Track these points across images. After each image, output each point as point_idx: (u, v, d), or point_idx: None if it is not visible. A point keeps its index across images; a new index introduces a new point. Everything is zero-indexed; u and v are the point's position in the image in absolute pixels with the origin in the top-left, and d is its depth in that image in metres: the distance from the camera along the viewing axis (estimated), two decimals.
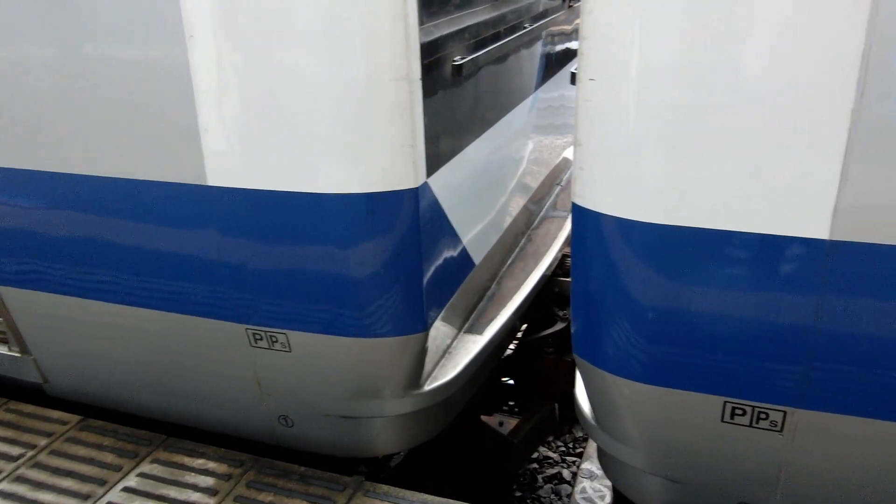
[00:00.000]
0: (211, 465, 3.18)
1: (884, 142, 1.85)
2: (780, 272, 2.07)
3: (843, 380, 2.16)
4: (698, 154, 2.03)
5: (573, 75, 2.23)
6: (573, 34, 4.84)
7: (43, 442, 3.39)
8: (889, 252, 1.94)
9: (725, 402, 2.34)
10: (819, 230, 1.98)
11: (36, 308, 3.30)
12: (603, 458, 3.04)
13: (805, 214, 1.99)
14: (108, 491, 3.06)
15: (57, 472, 3.19)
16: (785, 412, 2.28)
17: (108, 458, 3.26)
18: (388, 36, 2.30)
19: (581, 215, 2.33)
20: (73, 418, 3.56)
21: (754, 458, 2.43)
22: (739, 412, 2.34)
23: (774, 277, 2.09)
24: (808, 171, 1.94)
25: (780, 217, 2.02)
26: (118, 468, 3.19)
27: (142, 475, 3.14)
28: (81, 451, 3.32)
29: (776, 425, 2.31)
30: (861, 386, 2.15)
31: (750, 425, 2.35)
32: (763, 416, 2.32)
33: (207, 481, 3.09)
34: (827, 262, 2.00)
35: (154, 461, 3.22)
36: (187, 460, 3.22)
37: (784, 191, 1.99)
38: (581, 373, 2.82)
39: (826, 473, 2.39)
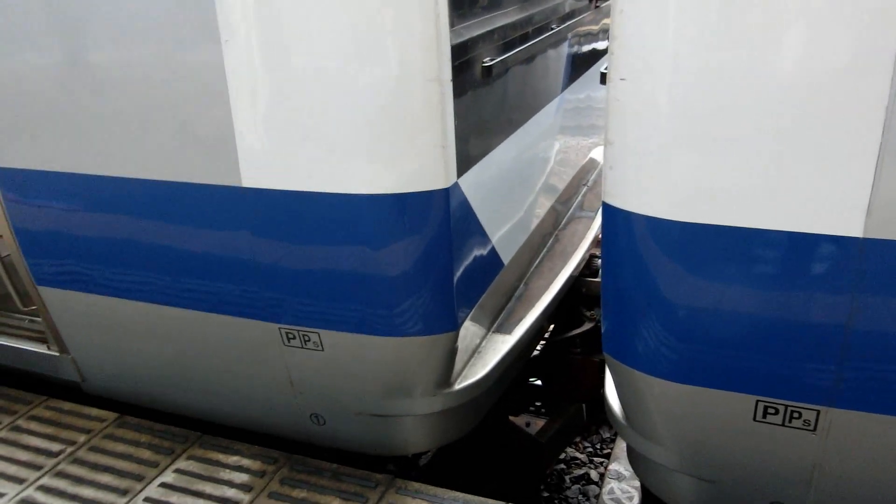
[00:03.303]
0: (245, 461, 3.24)
1: None
2: (812, 270, 2.07)
3: (877, 379, 2.14)
4: (729, 153, 2.04)
5: (603, 75, 2.24)
6: (599, 35, 4.84)
7: (82, 438, 3.47)
8: None
9: (758, 400, 2.34)
10: (852, 228, 1.98)
11: (74, 308, 3.38)
12: (633, 456, 3.04)
13: (838, 212, 1.98)
14: (145, 486, 3.12)
15: (95, 467, 3.27)
16: (818, 411, 2.27)
17: (145, 454, 3.33)
18: (420, 37, 2.33)
19: (611, 214, 2.34)
20: (111, 415, 3.64)
21: (787, 457, 2.42)
22: (772, 411, 2.33)
23: (806, 276, 2.08)
24: (841, 168, 1.94)
25: (813, 215, 2.01)
26: (155, 464, 3.26)
27: (178, 471, 3.20)
28: (119, 447, 3.40)
29: (809, 424, 2.31)
30: (894, 385, 2.14)
31: (782, 424, 2.34)
32: (796, 415, 2.31)
33: (242, 478, 3.14)
34: (860, 260, 2.00)
35: (190, 458, 3.28)
36: (222, 457, 3.27)
37: (816, 188, 1.98)
38: (611, 371, 2.82)
39: (860, 473, 2.37)
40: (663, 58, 2.04)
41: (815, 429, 2.31)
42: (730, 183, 2.07)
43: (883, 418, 2.20)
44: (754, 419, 2.37)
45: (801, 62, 1.90)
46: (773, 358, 2.25)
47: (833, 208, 1.99)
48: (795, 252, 2.07)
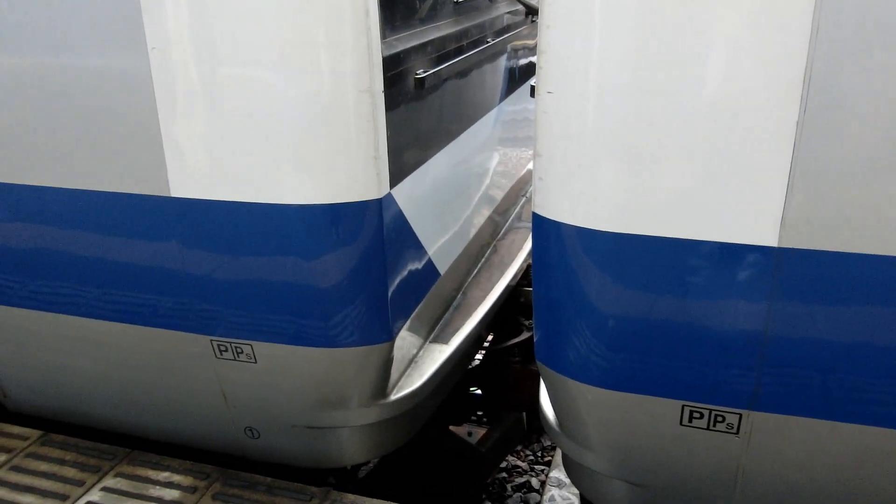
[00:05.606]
0: (176, 477, 3.16)
1: (826, 154, 1.92)
2: (731, 279, 2.14)
3: (793, 383, 2.23)
4: (652, 165, 2.09)
5: (533, 88, 2.28)
6: (536, 48, 4.91)
7: (2, 458, 3.33)
8: (833, 258, 2.02)
9: (683, 405, 2.40)
10: (768, 238, 2.05)
11: None
12: (568, 464, 3.08)
13: (754, 223, 2.06)
14: None
15: (17, 488, 3.14)
16: (740, 415, 2.35)
17: (70, 472, 3.22)
18: (351, 49, 2.34)
19: (541, 224, 2.38)
20: (34, 433, 3.51)
21: (712, 460, 2.49)
22: (697, 415, 2.40)
23: (726, 284, 2.15)
24: (757, 181, 2.01)
25: (731, 226, 2.08)
26: (80, 483, 3.15)
27: (105, 489, 3.10)
28: (43, 466, 3.28)
29: (732, 427, 2.38)
30: (811, 388, 2.22)
31: (707, 428, 2.41)
32: (720, 418, 2.38)
33: (173, 494, 3.06)
34: (775, 268, 2.07)
35: (118, 475, 3.19)
36: (152, 473, 3.19)
37: (734, 200, 2.05)
38: (544, 380, 2.86)
39: (781, 474, 2.45)
40: (588, 72, 2.09)
41: (738, 432, 2.38)
42: (654, 194, 2.13)
43: (799, 420, 2.29)
44: (681, 423, 2.43)
45: (720, 81, 1.97)
46: (698, 363, 2.31)
47: (751, 219, 2.06)
48: (716, 261, 2.14)
